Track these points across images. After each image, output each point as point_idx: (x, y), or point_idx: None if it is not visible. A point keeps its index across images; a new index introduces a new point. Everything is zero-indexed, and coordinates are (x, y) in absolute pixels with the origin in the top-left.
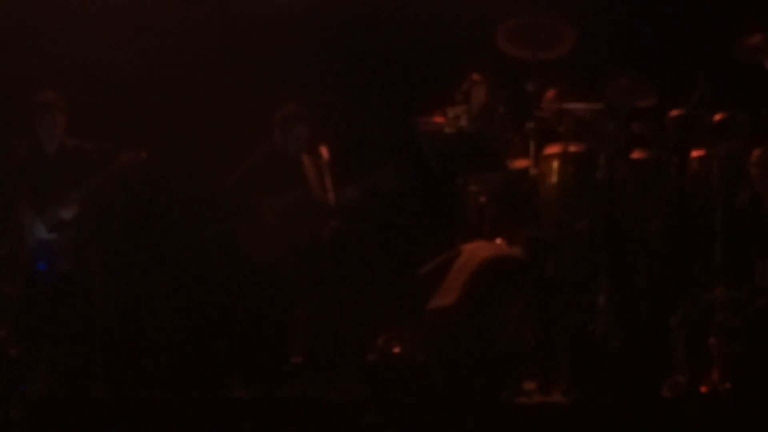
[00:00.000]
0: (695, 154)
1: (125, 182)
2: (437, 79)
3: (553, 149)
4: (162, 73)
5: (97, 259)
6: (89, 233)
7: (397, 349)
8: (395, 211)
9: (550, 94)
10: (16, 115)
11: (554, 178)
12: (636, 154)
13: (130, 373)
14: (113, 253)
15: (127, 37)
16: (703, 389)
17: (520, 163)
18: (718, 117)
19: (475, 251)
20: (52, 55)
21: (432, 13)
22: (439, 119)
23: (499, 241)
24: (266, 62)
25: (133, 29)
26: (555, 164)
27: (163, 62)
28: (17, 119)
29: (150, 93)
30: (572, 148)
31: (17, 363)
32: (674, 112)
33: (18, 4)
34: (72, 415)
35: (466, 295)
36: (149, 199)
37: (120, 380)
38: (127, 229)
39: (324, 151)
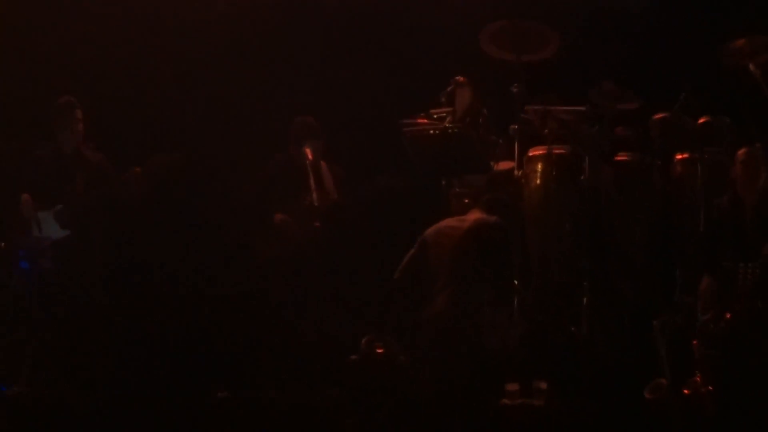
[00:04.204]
0: (679, 157)
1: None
2: (422, 82)
3: (537, 152)
4: (185, 87)
5: (93, 260)
6: (96, 234)
7: (380, 350)
8: (380, 212)
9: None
10: (38, 119)
11: (538, 181)
12: (619, 157)
13: (109, 375)
14: (113, 255)
15: (150, 49)
16: (686, 392)
17: (505, 165)
18: (701, 121)
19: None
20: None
21: (418, 16)
22: (423, 121)
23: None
24: (279, 80)
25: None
26: (539, 166)
27: (186, 77)
28: (39, 123)
29: (173, 105)
30: (556, 151)
31: (1, 363)
32: (658, 116)
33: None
34: (52, 416)
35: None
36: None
37: (100, 382)
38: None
39: (308, 153)
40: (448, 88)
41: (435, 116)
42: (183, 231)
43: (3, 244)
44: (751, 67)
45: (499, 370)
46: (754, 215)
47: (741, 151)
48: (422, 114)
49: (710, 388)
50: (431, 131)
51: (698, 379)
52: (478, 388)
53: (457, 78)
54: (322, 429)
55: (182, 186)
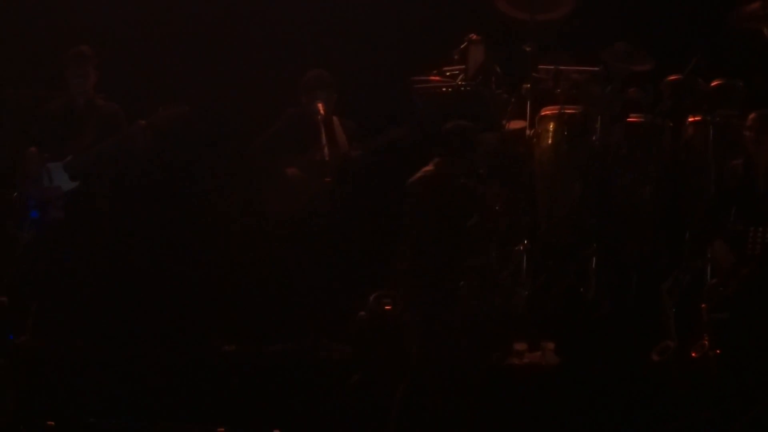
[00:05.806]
0: (690, 119)
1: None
2: (435, 39)
3: (549, 111)
4: (196, 39)
5: (104, 211)
6: (103, 185)
7: (388, 307)
8: (388, 168)
9: None
10: (51, 70)
11: (549, 140)
12: (631, 119)
13: (116, 326)
14: (123, 207)
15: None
16: (693, 354)
17: (516, 124)
18: (714, 83)
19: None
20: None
21: None
22: (435, 78)
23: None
24: (290, 31)
25: None
26: (550, 126)
27: (196, 29)
28: (52, 73)
29: (179, 57)
30: (568, 111)
31: (7, 311)
32: (670, 78)
33: None
34: (58, 365)
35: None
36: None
37: (106, 333)
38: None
39: (320, 107)
40: (461, 46)
41: (447, 73)
42: (191, 185)
43: (15, 194)
44: (766, 30)
45: (505, 330)
46: (767, 179)
47: (753, 115)
48: (434, 71)
49: (717, 351)
50: (443, 89)
51: (705, 341)
52: (483, 347)
53: (470, 35)
54: (329, 383)
55: (189, 139)
